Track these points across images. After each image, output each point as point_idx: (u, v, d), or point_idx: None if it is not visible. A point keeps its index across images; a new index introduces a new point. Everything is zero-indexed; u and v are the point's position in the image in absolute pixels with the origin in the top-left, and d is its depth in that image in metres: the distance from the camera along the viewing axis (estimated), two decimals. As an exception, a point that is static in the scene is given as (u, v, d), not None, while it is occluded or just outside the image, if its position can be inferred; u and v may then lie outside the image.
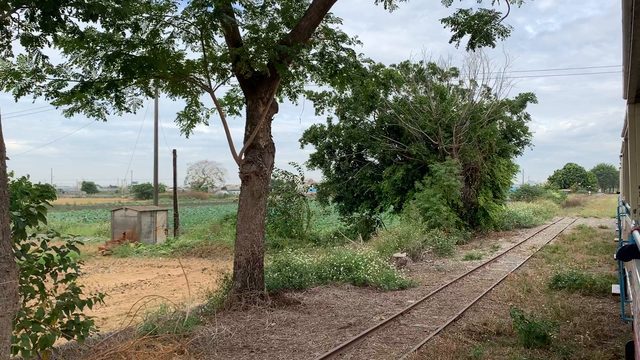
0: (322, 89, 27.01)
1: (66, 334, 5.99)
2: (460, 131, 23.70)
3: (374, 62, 12.24)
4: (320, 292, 11.32)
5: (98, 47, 9.38)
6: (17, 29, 6.61)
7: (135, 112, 11.00)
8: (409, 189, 23.67)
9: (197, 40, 10.02)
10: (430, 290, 12.00)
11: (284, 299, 10.34)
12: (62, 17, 6.07)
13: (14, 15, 6.21)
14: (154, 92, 11.32)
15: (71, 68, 9.62)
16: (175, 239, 26.21)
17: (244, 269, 10.04)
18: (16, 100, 9.42)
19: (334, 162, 27.66)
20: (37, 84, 9.44)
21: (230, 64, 10.37)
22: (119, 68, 9.49)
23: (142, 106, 11.23)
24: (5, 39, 6.62)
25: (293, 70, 11.28)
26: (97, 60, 9.58)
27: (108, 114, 10.68)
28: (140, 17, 8.93)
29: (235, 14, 9.96)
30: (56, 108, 10.21)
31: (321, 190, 27.78)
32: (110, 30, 8.52)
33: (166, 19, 9.42)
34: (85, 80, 9.75)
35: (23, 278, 5.68)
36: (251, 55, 9.54)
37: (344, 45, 10.76)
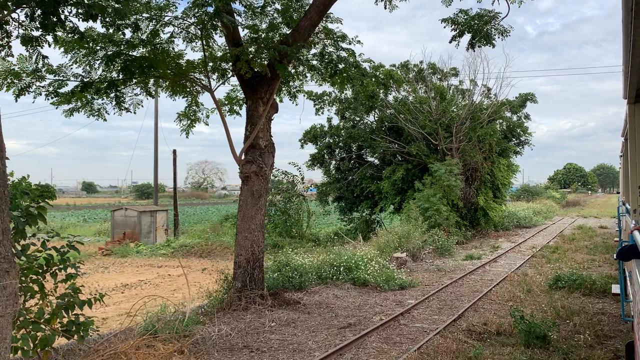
0: (322, 89, 27.07)
1: (66, 334, 5.99)
2: (460, 131, 23.70)
3: (374, 62, 12.24)
4: (320, 292, 11.32)
5: (98, 47, 9.38)
6: (17, 29, 6.61)
7: (135, 112, 11.01)
8: (409, 189, 23.67)
9: (197, 40, 10.02)
10: (430, 290, 12.00)
11: (284, 299, 10.34)
12: (62, 17, 6.07)
13: (14, 15, 6.21)
14: (154, 92, 11.32)
15: (71, 68, 9.63)
16: (175, 239, 26.21)
17: (244, 269, 10.04)
18: (16, 100, 9.42)
19: (334, 162, 27.66)
20: (37, 84, 9.44)
21: (230, 64, 10.37)
22: (119, 68, 9.49)
23: (142, 106, 11.24)
24: (5, 39, 6.62)
25: (293, 70, 11.28)
26: (97, 60, 9.58)
27: (108, 114, 10.70)
28: (140, 17, 8.93)
29: (235, 14, 9.96)
30: (56, 108, 10.22)
31: (321, 190, 27.78)
32: (110, 30, 8.52)
33: (166, 19, 9.42)
34: (85, 80, 9.76)
35: (23, 278, 5.68)
36: (251, 55, 9.54)
37: (344, 45, 10.76)
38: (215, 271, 14.28)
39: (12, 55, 7.11)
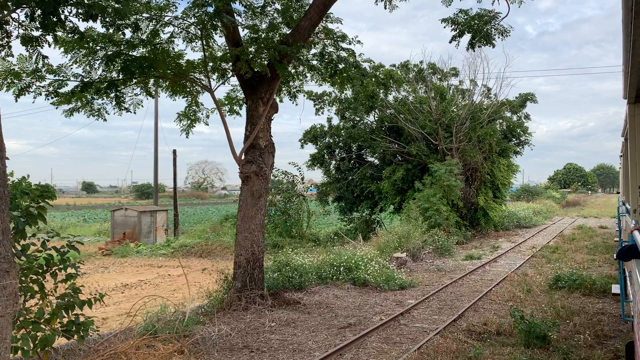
0: (322, 89, 27.05)
1: (66, 334, 5.99)
2: (460, 131, 23.70)
3: (374, 62, 12.24)
4: (320, 292, 11.32)
5: (98, 47, 9.38)
6: (17, 29, 6.61)
7: (135, 112, 11.01)
8: (409, 189, 23.67)
9: (197, 40, 10.01)
10: (430, 290, 12.00)
11: (284, 299, 10.34)
12: (62, 17, 6.07)
13: (14, 15, 6.21)
14: (154, 92, 11.32)
15: (71, 68, 9.63)
16: (175, 239, 26.21)
17: (244, 269, 10.04)
18: (16, 100, 9.42)
19: (334, 162, 27.66)
20: (37, 84, 9.44)
21: (230, 64, 10.37)
22: (119, 68, 9.49)
23: (142, 106, 11.24)
24: (5, 39, 6.62)
25: (293, 70, 11.28)
26: (97, 60, 9.58)
27: (108, 114, 10.70)
28: (140, 17, 8.93)
29: (235, 14, 9.96)
30: (56, 108, 10.22)
31: (321, 190, 27.78)
32: (110, 30, 8.52)
33: (166, 19, 9.42)
34: (85, 80, 9.75)
35: (23, 278, 5.68)
36: (251, 55, 9.54)
37: (344, 45, 10.76)
38: (215, 271, 14.28)
39: (12, 55, 7.12)
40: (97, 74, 9.91)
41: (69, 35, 7.61)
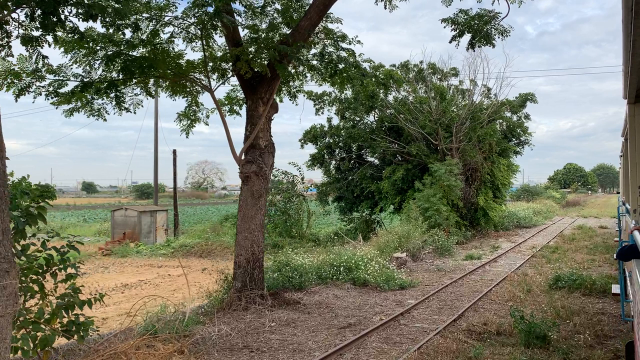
0: (322, 89, 27.05)
1: (66, 334, 5.99)
2: (460, 131, 23.70)
3: (374, 62, 12.24)
4: (320, 292, 11.32)
5: (98, 47, 9.39)
6: (17, 29, 6.61)
7: (135, 112, 11.01)
8: (409, 189, 23.67)
9: (197, 40, 10.02)
10: (430, 290, 12.00)
11: (284, 299, 10.34)
12: (62, 17, 6.07)
13: (14, 15, 6.21)
14: (154, 92, 11.32)
15: (71, 68, 9.63)
16: (175, 239, 26.21)
17: (244, 269, 10.04)
18: (16, 100, 9.42)
19: (334, 162, 27.66)
20: (37, 84, 9.44)
21: (230, 64, 10.37)
22: (119, 68, 9.49)
23: (142, 106, 11.24)
24: (5, 39, 6.62)
25: (293, 70, 11.28)
26: (97, 60, 9.58)
27: (108, 114, 10.70)
28: (140, 17, 8.93)
29: (235, 14, 9.97)
30: (56, 108, 10.22)
31: (321, 190, 27.78)
32: (110, 30, 8.52)
33: (166, 19, 9.42)
34: (85, 80, 9.76)
35: (23, 278, 5.68)
36: (251, 55, 9.54)
37: (344, 45, 10.77)
38: (215, 271, 14.28)
39: (12, 55, 7.13)
40: (97, 74, 9.91)
41: (69, 35, 7.61)
